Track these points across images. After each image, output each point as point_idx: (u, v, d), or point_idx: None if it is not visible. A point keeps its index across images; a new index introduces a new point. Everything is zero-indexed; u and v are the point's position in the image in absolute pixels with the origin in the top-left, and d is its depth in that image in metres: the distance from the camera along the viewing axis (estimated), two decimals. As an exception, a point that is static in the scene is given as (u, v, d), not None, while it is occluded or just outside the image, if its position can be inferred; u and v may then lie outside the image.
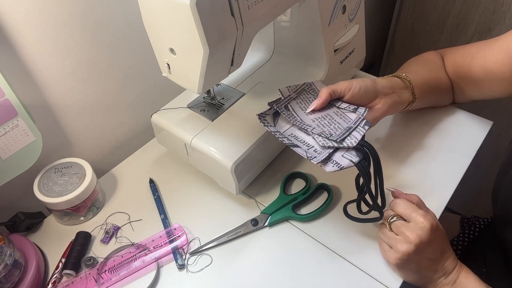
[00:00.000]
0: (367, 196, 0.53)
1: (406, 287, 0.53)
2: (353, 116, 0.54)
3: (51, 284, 0.55)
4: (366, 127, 0.52)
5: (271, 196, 0.64)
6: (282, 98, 0.57)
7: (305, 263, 0.56)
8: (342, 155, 0.50)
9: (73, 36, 0.59)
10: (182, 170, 0.70)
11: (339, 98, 0.57)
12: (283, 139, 0.52)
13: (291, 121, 0.54)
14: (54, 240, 0.61)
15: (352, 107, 0.55)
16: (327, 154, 0.49)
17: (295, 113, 0.56)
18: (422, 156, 0.68)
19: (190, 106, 0.66)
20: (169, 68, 0.52)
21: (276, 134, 0.53)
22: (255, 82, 0.70)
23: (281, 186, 0.64)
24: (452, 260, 0.50)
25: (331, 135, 0.51)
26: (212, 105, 0.66)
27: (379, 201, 0.53)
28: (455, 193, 0.63)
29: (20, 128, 0.54)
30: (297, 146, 0.51)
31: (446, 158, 0.67)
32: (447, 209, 0.62)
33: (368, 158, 0.50)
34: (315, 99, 0.57)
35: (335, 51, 0.71)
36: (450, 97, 0.71)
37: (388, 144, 0.70)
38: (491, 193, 0.68)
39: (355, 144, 0.49)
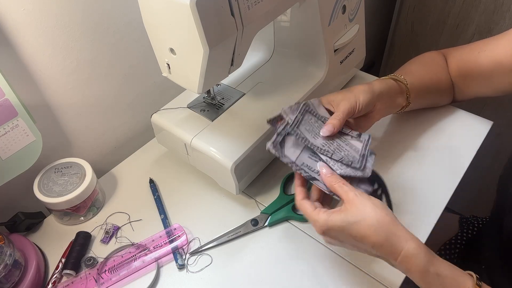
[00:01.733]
0: None
1: (406, 287, 0.53)
2: (357, 143, 0.54)
3: (51, 284, 0.55)
4: (373, 156, 0.52)
5: (271, 196, 0.64)
6: (289, 120, 0.54)
7: (305, 263, 0.56)
8: (356, 186, 0.49)
9: (73, 36, 0.59)
10: (182, 170, 0.70)
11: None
12: (300, 170, 0.50)
13: (304, 143, 0.52)
14: (54, 240, 0.61)
15: (355, 133, 0.55)
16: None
17: (305, 135, 0.54)
18: (422, 156, 0.68)
19: (190, 106, 0.66)
20: (169, 68, 0.52)
21: (292, 166, 0.51)
22: (255, 82, 0.70)
23: (281, 186, 0.64)
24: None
25: (352, 162, 0.50)
26: (212, 105, 0.66)
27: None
28: (455, 193, 0.63)
29: (20, 128, 0.54)
30: (315, 179, 0.50)
31: (446, 158, 0.67)
32: (447, 208, 0.62)
33: (379, 183, 0.51)
34: (317, 121, 0.56)
35: (335, 51, 0.71)
36: (449, 98, 0.71)
37: (387, 144, 0.70)
38: (498, 181, 0.67)
39: (370, 174, 0.50)
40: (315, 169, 0.51)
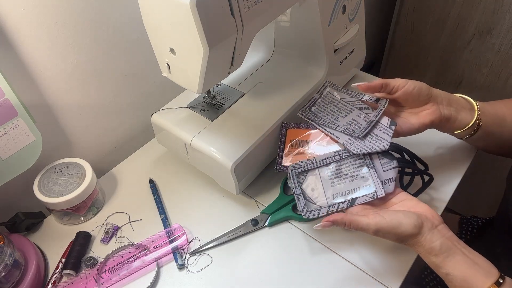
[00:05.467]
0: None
1: (406, 287, 0.54)
2: (371, 113, 0.55)
3: (51, 284, 0.55)
4: (393, 127, 0.52)
5: (271, 196, 0.64)
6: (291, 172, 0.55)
7: (305, 263, 0.56)
8: (383, 171, 0.51)
9: (73, 36, 0.59)
10: (182, 170, 0.70)
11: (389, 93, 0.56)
12: (340, 206, 0.51)
13: (321, 119, 0.55)
14: (54, 240, 0.61)
15: (374, 98, 0.56)
16: (377, 182, 0.51)
17: (320, 114, 0.58)
18: (421, 156, 0.68)
19: (190, 106, 0.66)
20: (169, 68, 0.52)
21: (328, 209, 0.51)
22: (255, 82, 0.70)
23: (281, 186, 0.64)
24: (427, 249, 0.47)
25: (353, 132, 0.52)
26: (212, 105, 0.66)
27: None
28: (456, 193, 0.63)
29: (20, 128, 0.54)
30: (356, 199, 0.51)
31: (446, 158, 0.67)
32: (448, 209, 0.62)
33: (399, 152, 0.54)
34: (336, 105, 0.57)
35: (335, 51, 0.71)
36: None
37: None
38: (506, 179, 0.66)
39: (387, 147, 0.51)
40: (348, 191, 0.52)
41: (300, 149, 0.57)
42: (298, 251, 0.57)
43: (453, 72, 1.24)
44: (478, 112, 0.57)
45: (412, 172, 0.57)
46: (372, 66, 1.48)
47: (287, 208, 0.61)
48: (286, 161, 0.57)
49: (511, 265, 0.48)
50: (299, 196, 0.52)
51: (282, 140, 0.60)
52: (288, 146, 0.59)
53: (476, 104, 0.58)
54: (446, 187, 0.63)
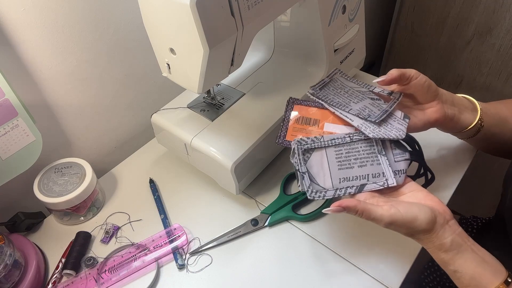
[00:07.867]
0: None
1: (406, 287, 0.54)
2: (384, 104, 0.54)
3: (51, 284, 0.55)
4: (407, 120, 0.52)
5: (271, 196, 0.64)
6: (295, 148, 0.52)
7: (305, 263, 0.56)
8: (395, 161, 0.50)
9: (73, 36, 0.59)
10: (182, 170, 0.70)
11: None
12: (347, 190, 0.49)
13: (331, 99, 0.54)
14: (54, 240, 0.61)
15: (386, 91, 0.55)
16: (388, 170, 0.49)
17: (331, 96, 0.55)
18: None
19: (190, 106, 0.66)
20: (169, 68, 0.52)
21: (335, 193, 0.49)
22: (255, 82, 0.70)
23: (281, 186, 0.64)
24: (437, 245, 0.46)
25: (369, 116, 0.51)
26: (212, 105, 0.66)
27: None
28: (456, 194, 0.63)
29: (20, 128, 0.54)
30: (364, 185, 0.49)
31: (446, 158, 0.67)
32: (447, 209, 0.62)
33: (411, 145, 0.53)
34: (347, 92, 0.56)
35: (335, 51, 0.71)
36: None
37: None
38: (503, 182, 0.66)
39: (404, 136, 0.50)
40: (356, 176, 0.50)
41: (306, 127, 0.54)
42: (298, 251, 0.57)
43: (453, 72, 1.24)
44: (480, 112, 0.57)
45: (418, 168, 0.57)
46: (372, 66, 1.48)
47: (287, 208, 0.61)
48: (290, 136, 0.53)
49: (509, 268, 0.48)
50: (304, 175, 0.49)
51: (287, 115, 0.55)
52: (294, 121, 0.55)
53: (479, 104, 0.58)
54: (446, 187, 0.63)
